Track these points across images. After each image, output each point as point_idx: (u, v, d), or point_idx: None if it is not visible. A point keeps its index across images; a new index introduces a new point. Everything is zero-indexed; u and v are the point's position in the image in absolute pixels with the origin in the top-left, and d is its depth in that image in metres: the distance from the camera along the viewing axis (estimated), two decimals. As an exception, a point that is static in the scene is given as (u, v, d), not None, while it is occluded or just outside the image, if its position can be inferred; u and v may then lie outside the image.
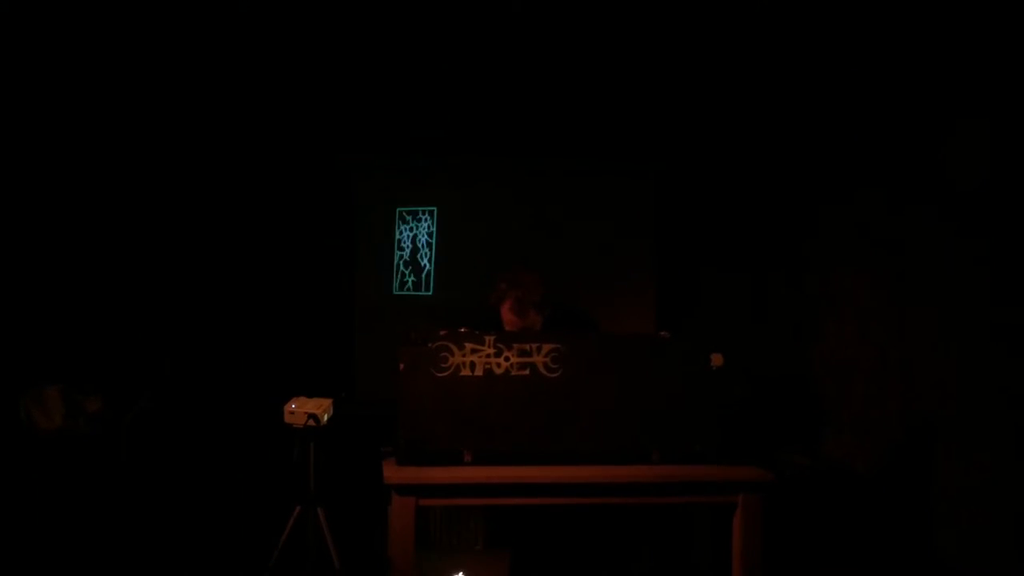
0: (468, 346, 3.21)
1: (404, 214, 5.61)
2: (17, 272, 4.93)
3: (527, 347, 3.23)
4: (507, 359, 3.22)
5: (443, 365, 3.20)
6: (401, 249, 5.61)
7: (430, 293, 5.62)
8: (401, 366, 3.19)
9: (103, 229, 5.18)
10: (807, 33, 4.59)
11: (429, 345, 3.19)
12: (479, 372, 3.20)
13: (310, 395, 3.95)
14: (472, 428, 3.20)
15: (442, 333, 3.21)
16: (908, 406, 4.37)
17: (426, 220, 5.62)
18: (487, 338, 3.23)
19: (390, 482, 3.10)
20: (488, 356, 3.21)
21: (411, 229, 5.61)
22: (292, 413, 3.85)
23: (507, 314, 3.74)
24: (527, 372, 3.22)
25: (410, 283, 5.62)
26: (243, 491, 4.90)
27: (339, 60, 5.03)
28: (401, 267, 5.62)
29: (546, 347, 3.24)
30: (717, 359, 3.31)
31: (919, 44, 4.23)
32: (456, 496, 3.21)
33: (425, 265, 5.62)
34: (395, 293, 5.62)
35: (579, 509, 3.56)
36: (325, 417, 3.88)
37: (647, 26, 4.70)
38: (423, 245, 5.62)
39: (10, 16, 4.33)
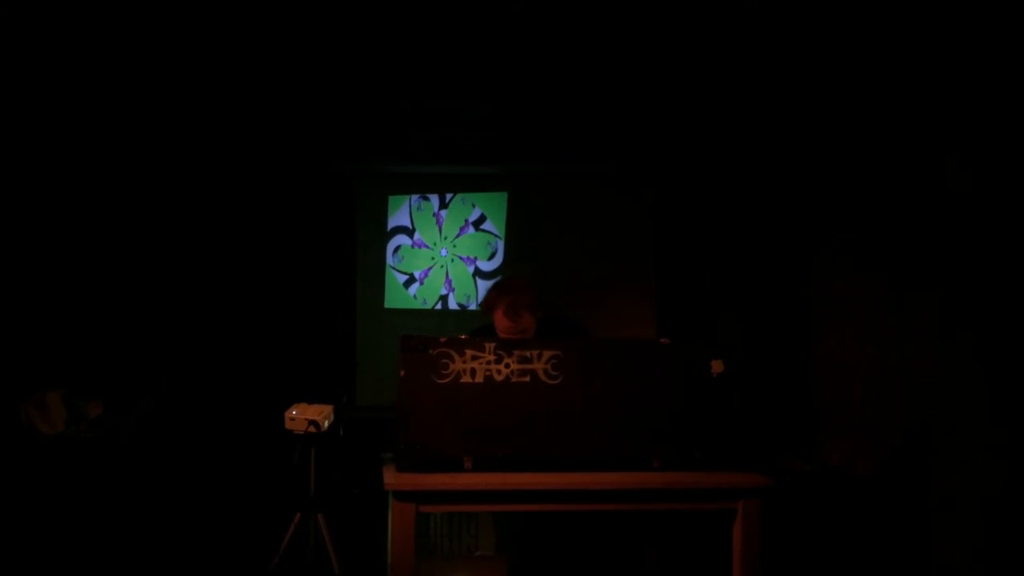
0: (469, 353, 3.22)
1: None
2: (16, 277, 4.93)
3: (527, 354, 3.24)
4: (507, 366, 3.23)
5: (444, 372, 3.21)
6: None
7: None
8: (402, 373, 3.20)
9: (103, 234, 5.18)
10: (810, 37, 4.60)
11: (430, 352, 3.20)
12: (480, 379, 3.22)
13: (311, 401, 3.97)
14: (472, 434, 3.21)
15: (442, 340, 3.23)
16: (906, 411, 4.37)
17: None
18: (487, 345, 3.24)
19: (390, 488, 3.10)
20: (489, 363, 3.22)
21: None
22: (293, 419, 3.87)
23: (501, 320, 3.76)
24: (527, 379, 3.23)
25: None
26: (244, 497, 4.91)
27: (338, 66, 5.03)
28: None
29: (546, 354, 3.25)
30: (717, 365, 3.32)
31: (918, 65, 4.25)
32: (456, 502, 3.22)
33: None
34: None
35: (580, 516, 3.57)
36: (326, 423, 3.90)
37: (648, 35, 4.72)
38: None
39: (10, 16, 4.33)
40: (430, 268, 5.58)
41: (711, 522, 3.35)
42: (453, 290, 5.58)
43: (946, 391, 4.09)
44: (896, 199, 4.48)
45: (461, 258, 5.58)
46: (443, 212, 5.59)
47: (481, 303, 3.90)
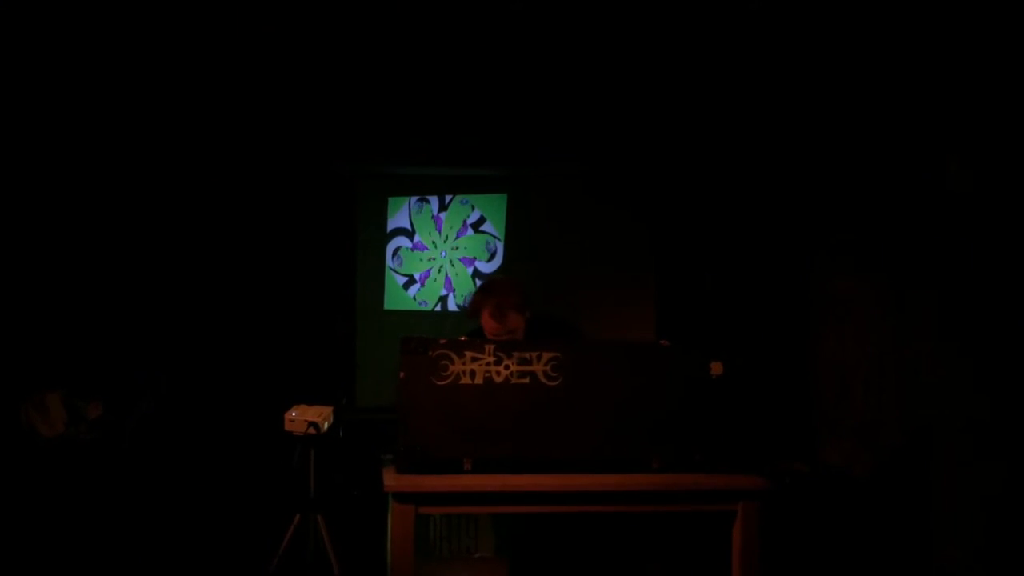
0: (468, 354, 3.21)
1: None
2: (15, 277, 4.93)
3: (527, 355, 3.24)
4: (507, 367, 3.23)
5: (443, 373, 3.20)
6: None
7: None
8: (401, 374, 3.20)
9: (103, 234, 5.18)
10: (810, 37, 4.59)
11: (429, 353, 3.20)
12: (479, 380, 3.21)
13: (310, 403, 3.97)
14: (472, 436, 3.20)
15: (442, 342, 3.22)
16: (906, 411, 4.37)
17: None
18: (487, 346, 3.23)
19: (390, 490, 3.10)
20: (488, 364, 3.22)
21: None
22: (292, 421, 3.87)
23: (488, 322, 3.74)
24: (527, 380, 3.23)
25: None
26: (244, 498, 4.91)
27: (339, 66, 5.04)
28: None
29: (546, 355, 3.24)
30: (717, 367, 3.32)
31: (918, 64, 4.24)
32: (455, 504, 3.22)
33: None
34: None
35: (580, 517, 3.56)
36: (325, 425, 3.89)
37: (647, 36, 4.72)
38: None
39: (10, 16, 4.33)
40: (430, 270, 5.58)
41: (711, 524, 3.35)
42: (453, 291, 5.57)
43: (946, 391, 4.09)
44: (896, 199, 4.48)
45: (461, 260, 5.58)
46: (442, 214, 5.59)
47: (467, 307, 3.88)
